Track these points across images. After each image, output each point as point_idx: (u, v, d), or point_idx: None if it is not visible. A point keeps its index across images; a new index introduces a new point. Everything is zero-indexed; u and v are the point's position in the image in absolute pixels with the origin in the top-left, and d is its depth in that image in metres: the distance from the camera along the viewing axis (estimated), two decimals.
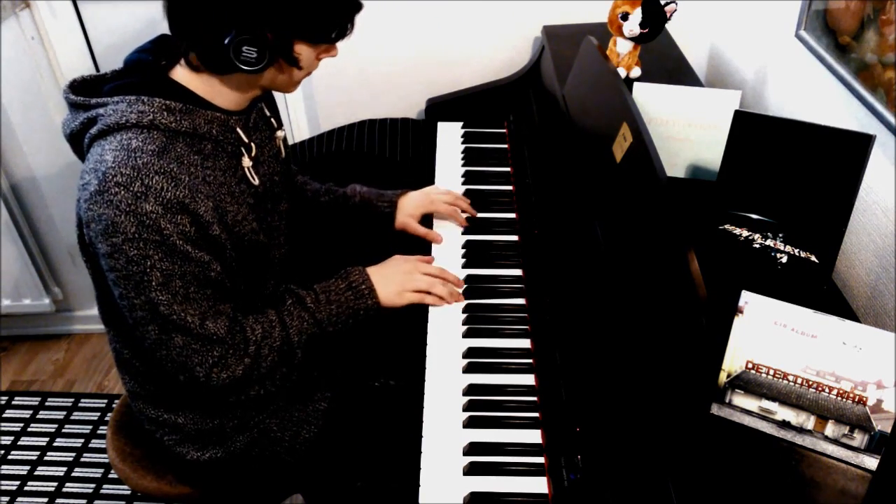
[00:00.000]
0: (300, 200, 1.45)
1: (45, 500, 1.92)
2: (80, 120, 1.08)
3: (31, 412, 2.16)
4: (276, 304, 1.23)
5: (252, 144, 1.17)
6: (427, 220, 1.52)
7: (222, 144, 1.11)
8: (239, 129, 1.14)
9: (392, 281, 1.29)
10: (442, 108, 1.88)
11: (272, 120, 1.27)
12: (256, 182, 1.17)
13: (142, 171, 1.00)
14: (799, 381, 0.89)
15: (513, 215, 1.53)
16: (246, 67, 1.02)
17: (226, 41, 1.00)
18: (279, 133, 1.28)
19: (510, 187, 1.62)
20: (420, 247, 1.45)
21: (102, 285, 1.14)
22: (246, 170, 1.15)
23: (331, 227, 1.50)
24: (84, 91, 1.11)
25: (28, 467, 2.00)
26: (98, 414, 2.15)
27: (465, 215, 1.51)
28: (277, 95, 1.40)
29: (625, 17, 1.50)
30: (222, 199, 1.09)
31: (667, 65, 1.71)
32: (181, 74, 1.09)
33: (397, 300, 1.28)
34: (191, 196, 1.03)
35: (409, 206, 1.47)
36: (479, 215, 1.52)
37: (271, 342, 1.17)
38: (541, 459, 1.06)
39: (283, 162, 1.29)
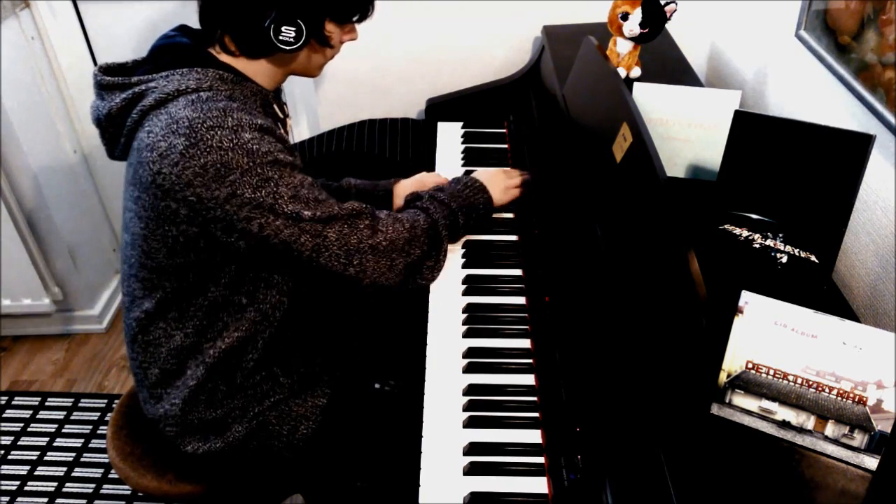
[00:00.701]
0: None
1: (45, 500, 1.92)
2: (124, 97, 1.10)
3: (31, 412, 2.16)
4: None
5: (286, 119, 1.24)
6: None
7: (263, 116, 1.15)
8: (275, 105, 1.21)
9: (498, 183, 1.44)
10: (442, 108, 1.88)
11: (285, 106, 1.32)
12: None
13: (226, 110, 1.05)
14: (799, 381, 0.89)
15: (512, 215, 1.53)
16: (286, 47, 1.09)
17: (266, 23, 1.07)
18: (288, 120, 1.31)
19: None
20: None
21: (170, 244, 1.11)
22: None
23: None
24: (113, 76, 1.14)
25: (28, 467, 2.00)
26: (98, 414, 2.15)
27: None
28: None
29: (625, 17, 1.50)
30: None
31: (667, 65, 1.71)
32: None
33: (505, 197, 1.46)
34: (271, 124, 1.10)
35: (405, 190, 1.52)
36: None
37: (417, 222, 1.28)
38: (541, 459, 1.06)
39: None
